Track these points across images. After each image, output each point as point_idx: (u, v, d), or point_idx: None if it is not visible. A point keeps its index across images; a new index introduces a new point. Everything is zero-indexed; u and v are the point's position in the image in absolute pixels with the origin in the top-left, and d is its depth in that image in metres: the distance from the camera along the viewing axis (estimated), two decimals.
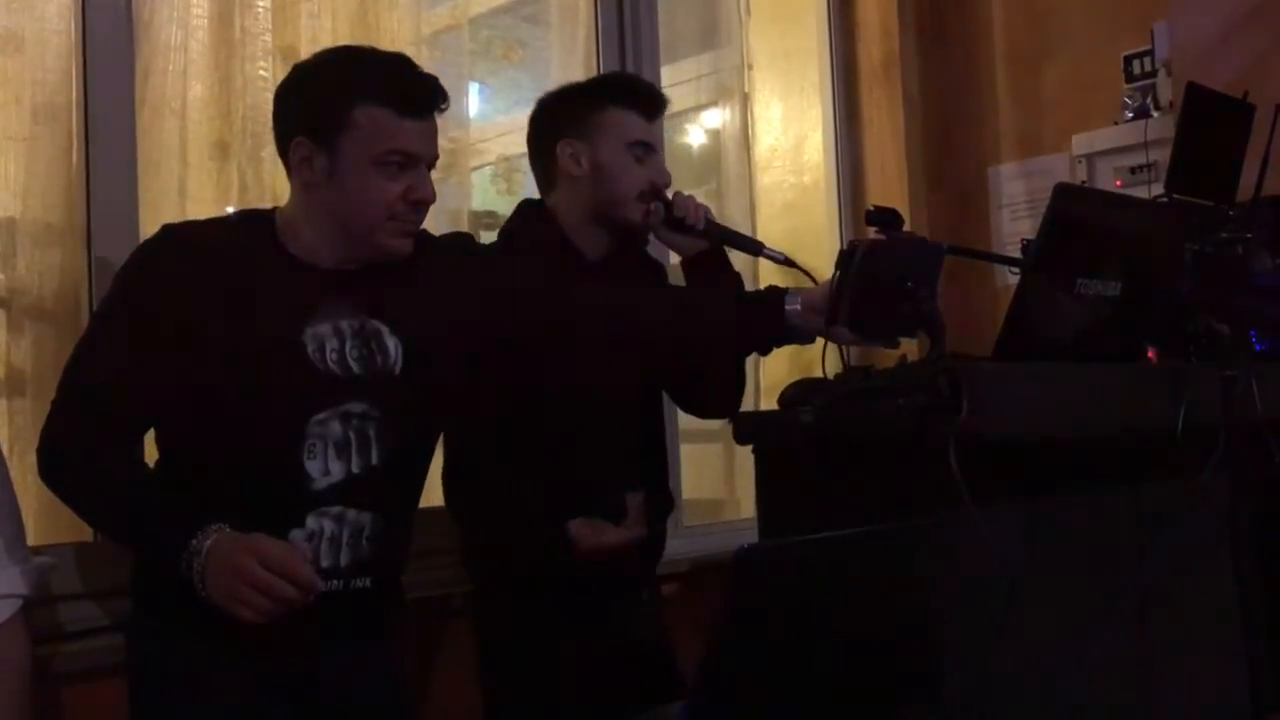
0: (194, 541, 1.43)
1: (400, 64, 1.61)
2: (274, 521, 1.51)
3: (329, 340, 1.57)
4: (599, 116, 2.00)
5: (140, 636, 1.63)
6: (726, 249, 2.06)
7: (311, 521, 1.54)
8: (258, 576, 1.40)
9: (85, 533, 1.92)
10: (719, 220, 2.10)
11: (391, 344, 1.61)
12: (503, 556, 1.97)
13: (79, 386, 1.54)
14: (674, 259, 2.16)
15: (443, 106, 1.60)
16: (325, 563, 1.55)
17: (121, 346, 1.52)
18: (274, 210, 1.65)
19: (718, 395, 2.09)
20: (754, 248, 2.01)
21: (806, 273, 1.93)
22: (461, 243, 1.90)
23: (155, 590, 1.58)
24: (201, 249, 1.56)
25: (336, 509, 1.56)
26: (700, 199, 2.03)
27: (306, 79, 1.60)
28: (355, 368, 1.58)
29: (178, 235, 1.58)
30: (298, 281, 1.58)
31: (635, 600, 2.04)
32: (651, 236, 2.06)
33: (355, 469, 1.57)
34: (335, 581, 1.55)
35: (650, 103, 2.04)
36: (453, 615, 2.24)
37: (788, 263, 1.95)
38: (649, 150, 2.01)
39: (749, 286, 2.24)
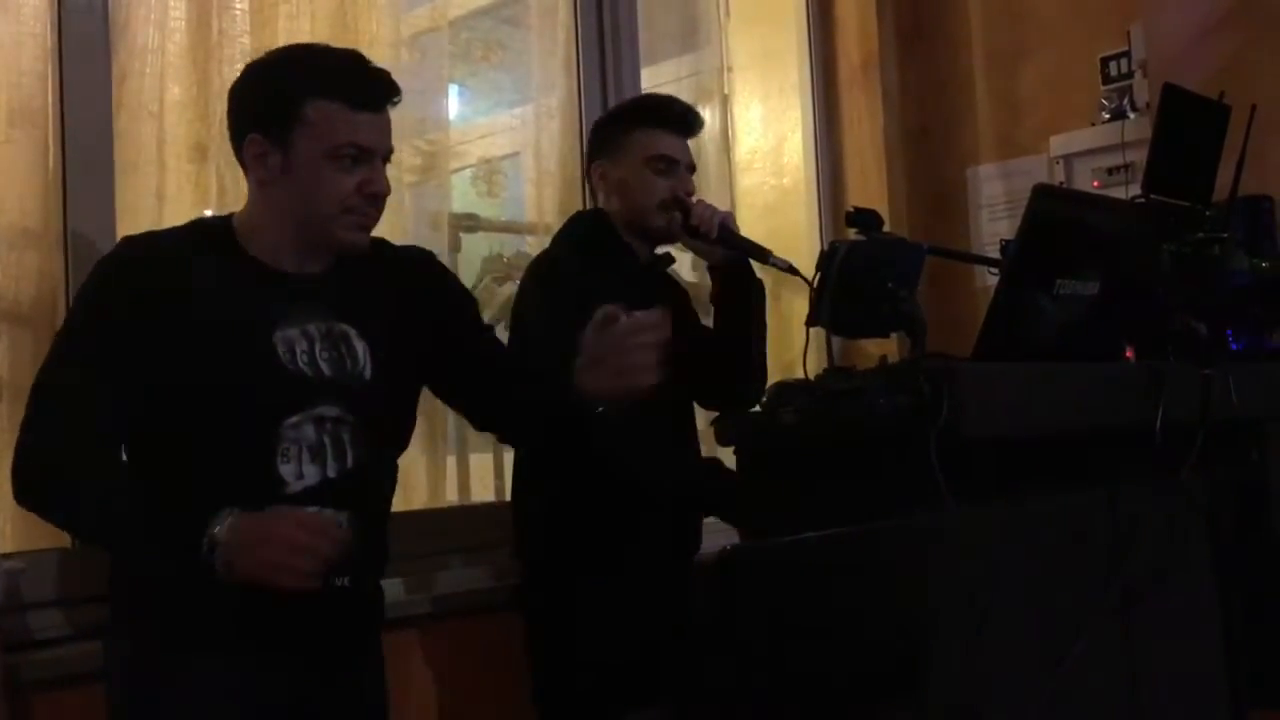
0: (214, 531, 1.39)
1: (351, 59, 1.62)
2: None
3: (298, 343, 1.56)
4: (624, 138, 2.16)
5: (119, 646, 1.61)
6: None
7: None
8: (298, 538, 1.38)
9: (61, 539, 1.90)
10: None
11: (360, 347, 1.61)
12: (565, 537, 2.03)
13: (49, 403, 1.51)
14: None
15: (395, 100, 1.60)
16: None
17: (89, 361, 1.50)
18: (230, 216, 1.65)
19: (741, 388, 2.14)
20: (761, 255, 2.11)
21: (809, 281, 1.95)
22: (425, 257, 1.86)
23: (136, 598, 1.57)
24: (162, 259, 1.55)
25: (312, 510, 1.54)
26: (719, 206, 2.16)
27: (259, 76, 1.61)
28: (326, 369, 1.57)
29: (137, 247, 1.57)
30: (263, 286, 1.58)
31: (683, 583, 2.08)
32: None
33: (331, 473, 1.56)
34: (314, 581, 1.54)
35: (675, 120, 2.18)
36: (438, 619, 2.23)
37: (791, 271, 2.03)
38: (671, 164, 2.14)
39: None
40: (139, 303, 1.50)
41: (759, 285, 2.19)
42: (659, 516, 2.02)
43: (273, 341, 1.54)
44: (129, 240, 1.59)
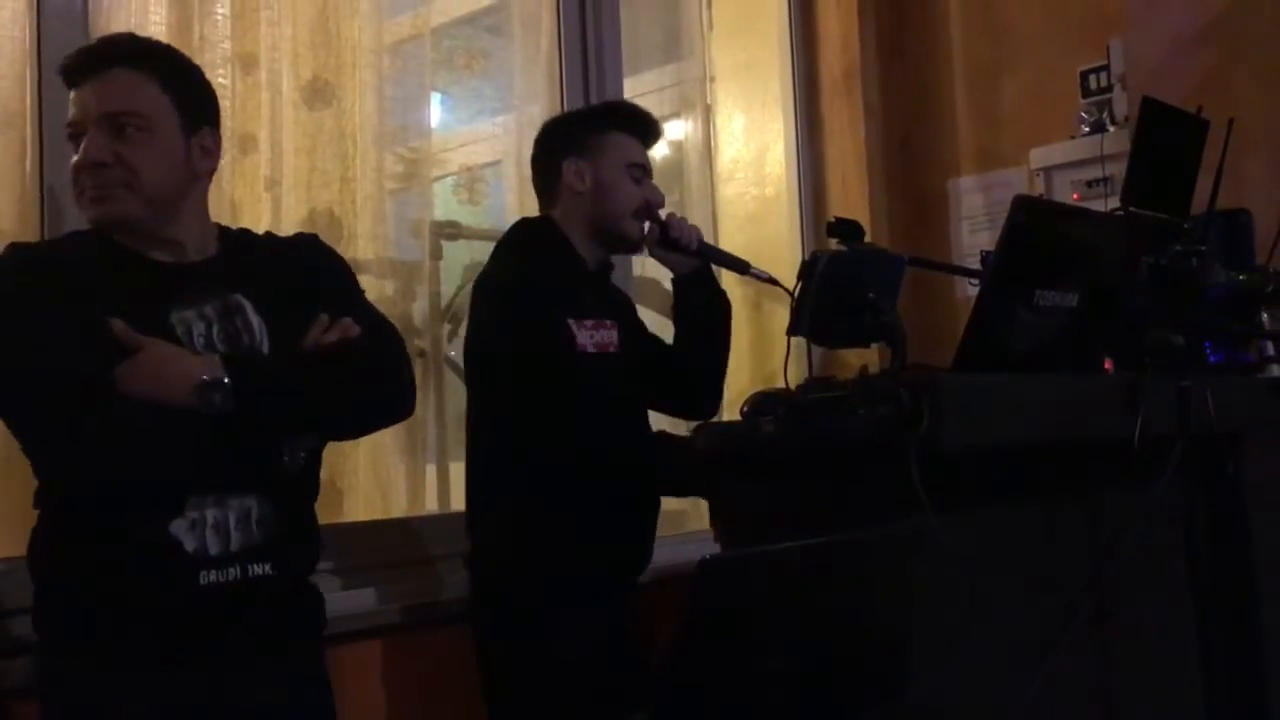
0: None
1: (78, 49, 1.64)
2: (152, 513, 1.49)
3: (195, 324, 1.57)
4: (603, 139, 2.14)
5: (46, 664, 1.59)
6: (714, 266, 2.21)
7: (192, 510, 1.52)
8: None
9: None
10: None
11: (255, 321, 1.61)
12: (511, 555, 2.01)
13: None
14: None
15: (107, 62, 1.58)
16: (214, 550, 1.52)
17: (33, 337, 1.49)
18: None
19: (702, 396, 2.17)
20: (740, 267, 2.15)
21: (789, 291, 1.95)
22: (308, 239, 1.83)
23: (58, 616, 1.55)
24: (49, 259, 1.58)
25: (215, 495, 1.53)
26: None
27: None
28: (221, 349, 1.56)
29: (23, 249, 1.61)
30: (151, 273, 1.59)
31: (633, 598, 2.08)
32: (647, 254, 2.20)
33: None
34: (232, 569, 1.53)
35: (650, 130, 2.20)
36: (415, 628, 2.22)
37: (772, 281, 2.07)
38: (645, 173, 2.15)
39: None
40: (38, 294, 1.50)
41: (724, 296, 2.21)
42: (600, 530, 1.97)
43: (170, 321, 1.55)
44: (14, 245, 1.61)
